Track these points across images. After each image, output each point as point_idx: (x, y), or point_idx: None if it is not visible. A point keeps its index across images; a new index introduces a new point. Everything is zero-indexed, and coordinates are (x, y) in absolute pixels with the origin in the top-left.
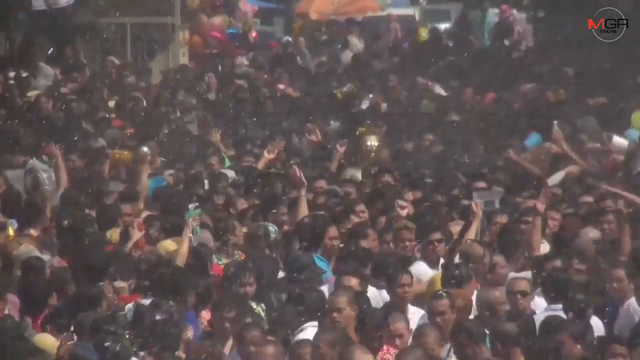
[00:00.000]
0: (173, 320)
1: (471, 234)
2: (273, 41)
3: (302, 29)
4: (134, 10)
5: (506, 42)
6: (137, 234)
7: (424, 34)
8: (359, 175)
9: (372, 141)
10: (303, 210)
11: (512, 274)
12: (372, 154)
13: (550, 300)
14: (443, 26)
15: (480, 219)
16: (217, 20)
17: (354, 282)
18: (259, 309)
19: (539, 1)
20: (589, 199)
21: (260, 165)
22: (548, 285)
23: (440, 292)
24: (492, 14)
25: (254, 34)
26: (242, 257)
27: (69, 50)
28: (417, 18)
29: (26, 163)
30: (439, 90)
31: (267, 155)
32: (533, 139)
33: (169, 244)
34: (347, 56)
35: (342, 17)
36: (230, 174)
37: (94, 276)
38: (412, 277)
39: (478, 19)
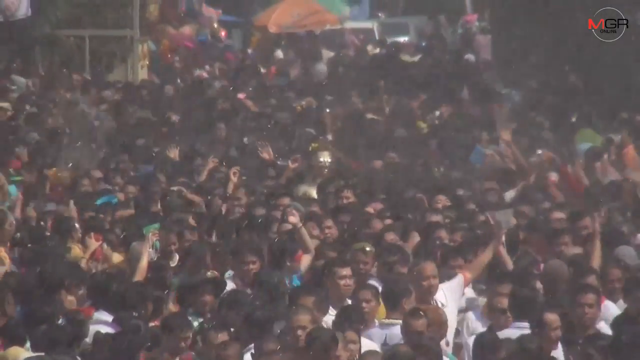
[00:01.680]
0: (128, 337)
1: (487, 255)
2: (230, 53)
3: (261, 42)
4: (92, 23)
5: (469, 55)
6: (93, 244)
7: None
8: (311, 191)
9: (325, 157)
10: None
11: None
12: (325, 170)
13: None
14: (401, 39)
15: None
16: (187, 29)
17: (310, 301)
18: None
19: (498, 13)
20: (561, 215)
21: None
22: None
23: (419, 310)
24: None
25: (223, 33)
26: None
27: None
28: (375, 31)
29: None
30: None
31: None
32: (476, 155)
33: (114, 257)
34: (320, 68)
35: (301, 30)
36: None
37: (49, 289)
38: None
39: (449, 31)
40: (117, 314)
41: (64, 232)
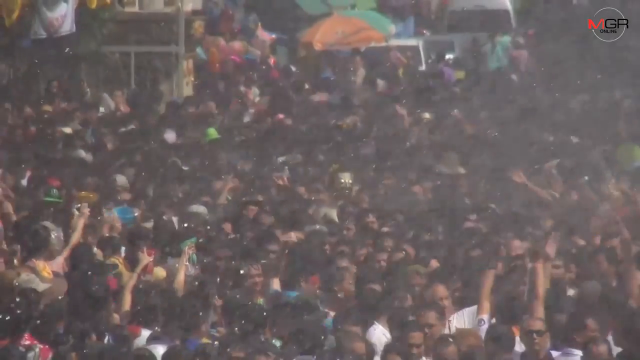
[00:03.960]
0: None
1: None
2: (275, 71)
3: (307, 60)
4: (137, 39)
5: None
6: (145, 258)
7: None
8: (332, 213)
9: (346, 178)
10: None
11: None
12: (346, 191)
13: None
14: (447, 57)
15: None
16: (237, 44)
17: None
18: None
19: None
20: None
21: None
22: None
23: (448, 337)
24: (501, 41)
25: (272, 60)
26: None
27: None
28: (421, 49)
29: None
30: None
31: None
32: None
33: (159, 272)
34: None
35: (346, 48)
36: (201, 209)
37: (94, 306)
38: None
39: (488, 46)
40: (166, 330)
41: (112, 248)
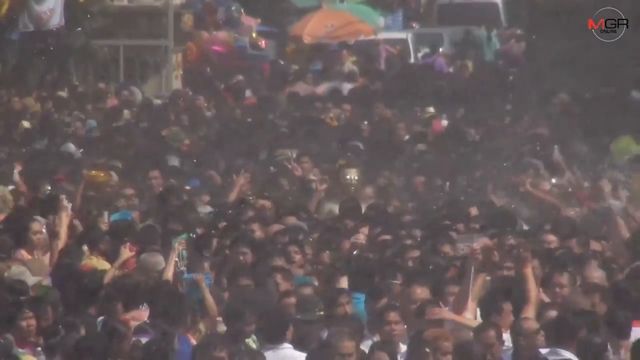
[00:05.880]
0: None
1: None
2: (265, 63)
3: (295, 52)
4: (127, 33)
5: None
6: (126, 253)
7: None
8: (336, 209)
9: (352, 174)
10: None
11: None
12: (352, 187)
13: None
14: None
15: None
16: (221, 34)
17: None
18: (251, 340)
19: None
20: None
21: (233, 195)
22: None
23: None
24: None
25: (263, 42)
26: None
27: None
28: (409, 42)
29: None
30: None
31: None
32: None
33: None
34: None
35: (335, 41)
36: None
37: (82, 300)
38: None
39: (484, 38)
40: (153, 321)
41: (92, 241)
